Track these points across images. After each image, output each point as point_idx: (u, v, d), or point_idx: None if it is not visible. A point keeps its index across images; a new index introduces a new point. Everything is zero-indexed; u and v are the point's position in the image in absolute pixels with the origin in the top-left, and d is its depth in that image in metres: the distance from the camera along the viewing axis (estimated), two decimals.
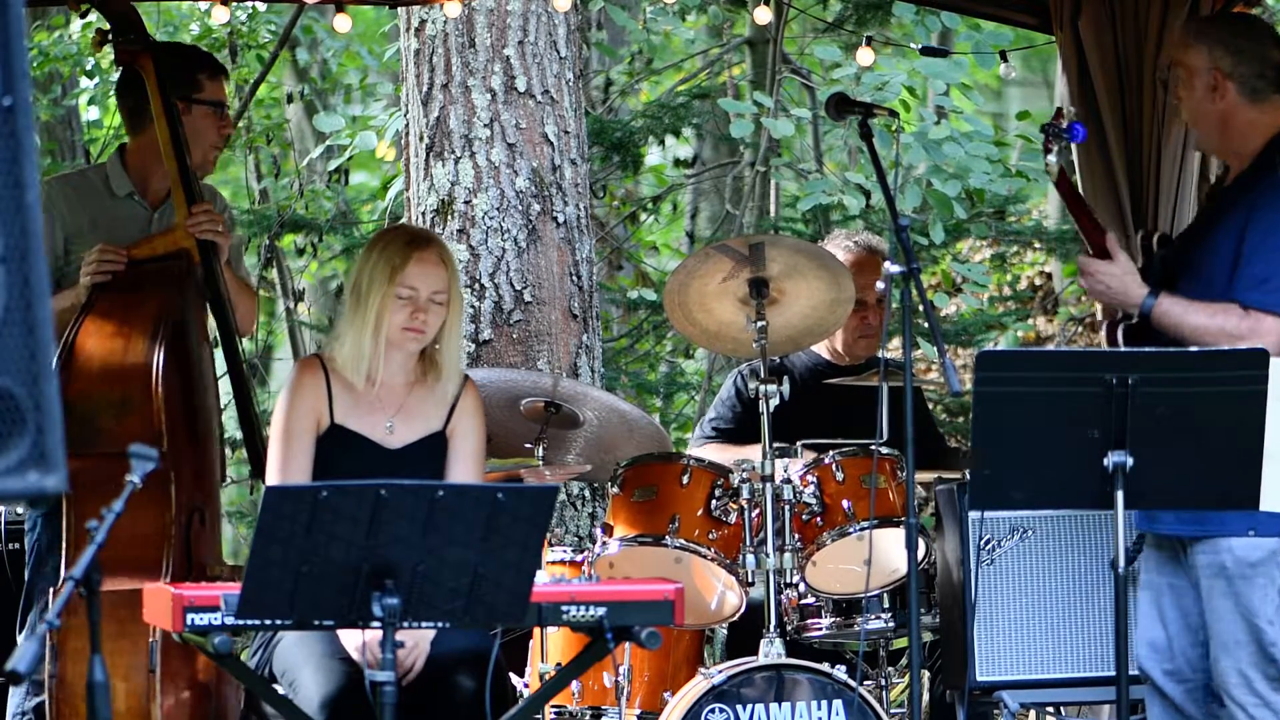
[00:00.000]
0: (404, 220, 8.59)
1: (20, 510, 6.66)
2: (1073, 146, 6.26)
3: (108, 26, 6.56)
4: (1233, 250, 5.57)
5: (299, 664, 5.58)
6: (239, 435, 6.75)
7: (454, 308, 5.88)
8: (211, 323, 6.67)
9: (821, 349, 7.25)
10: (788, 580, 6.24)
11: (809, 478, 6.32)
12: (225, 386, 6.71)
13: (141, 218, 6.66)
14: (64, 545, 6.07)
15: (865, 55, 7.94)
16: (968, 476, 5.99)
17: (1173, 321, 5.53)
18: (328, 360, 5.90)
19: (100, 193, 6.67)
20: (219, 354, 6.67)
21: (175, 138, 6.44)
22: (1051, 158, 5.77)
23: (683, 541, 6.26)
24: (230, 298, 6.50)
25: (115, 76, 9.27)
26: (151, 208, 6.70)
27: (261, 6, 11.58)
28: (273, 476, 5.80)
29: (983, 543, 6.02)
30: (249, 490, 12.19)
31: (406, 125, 8.40)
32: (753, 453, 6.64)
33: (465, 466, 5.93)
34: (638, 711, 6.39)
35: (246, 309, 6.73)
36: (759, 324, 6.29)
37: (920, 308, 5.34)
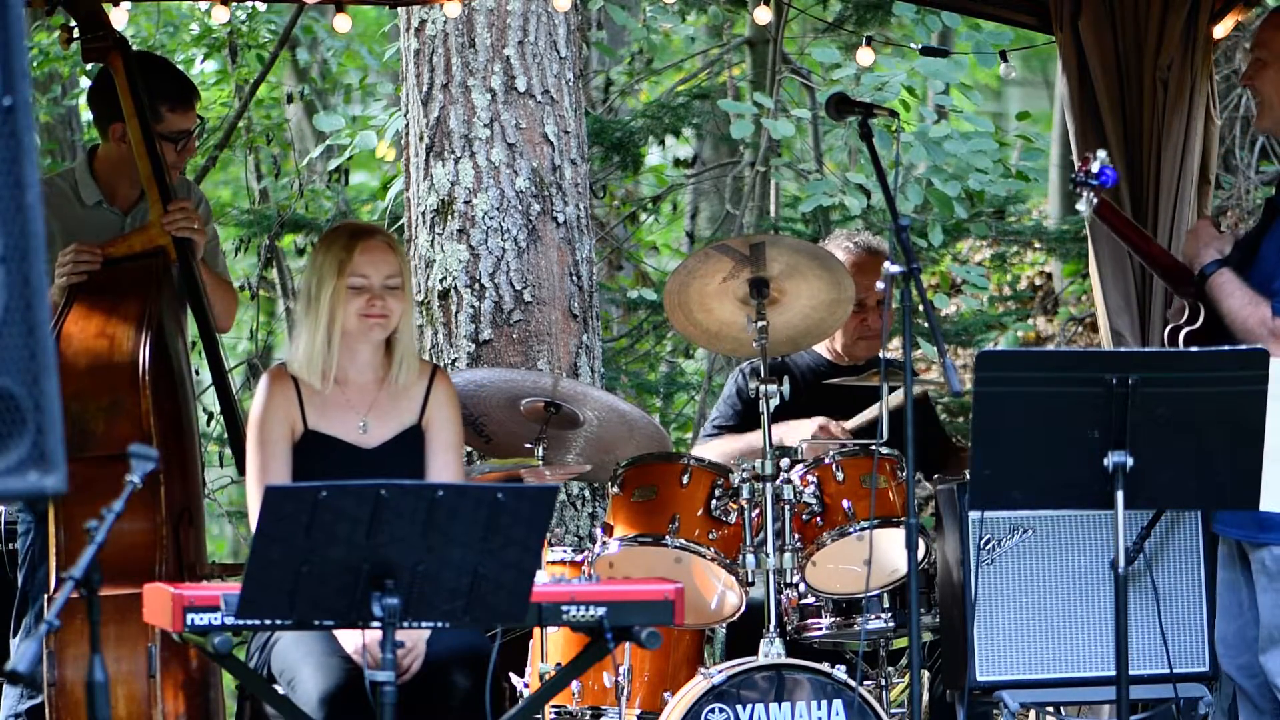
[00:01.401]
0: (403, 220, 8.59)
1: (17, 510, 6.65)
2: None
3: (74, 24, 6.53)
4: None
5: (297, 662, 5.58)
6: (227, 434, 6.73)
7: (407, 295, 5.88)
8: (192, 321, 6.66)
9: (823, 349, 7.25)
10: (788, 580, 6.24)
11: (809, 478, 6.32)
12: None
13: (113, 224, 6.62)
14: (52, 549, 6.04)
15: (865, 55, 7.94)
16: (968, 476, 5.99)
17: (1217, 295, 5.70)
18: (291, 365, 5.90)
19: (69, 201, 6.62)
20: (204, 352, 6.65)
21: (147, 135, 6.40)
22: (1082, 205, 5.85)
23: (683, 541, 6.26)
24: (208, 295, 6.48)
25: None
26: (123, 213, 6.67)
27: (261, 6, 11.58)
28: (252, 486, 5.80)
29: (983, 543, 6.02)
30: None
31: (406, 125, 8.40)
32: (752, 437, 6.64)
33: (444, 457, 5.93)
34: (638, 711, 6.39)
35: (225, 304, 6.69)
36: (759, 324, 6.28)
37: (920, 308, 5.34)
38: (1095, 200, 5.87)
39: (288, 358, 5.90)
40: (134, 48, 6.66)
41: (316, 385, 5.84)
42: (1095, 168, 5.86)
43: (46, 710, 5.97)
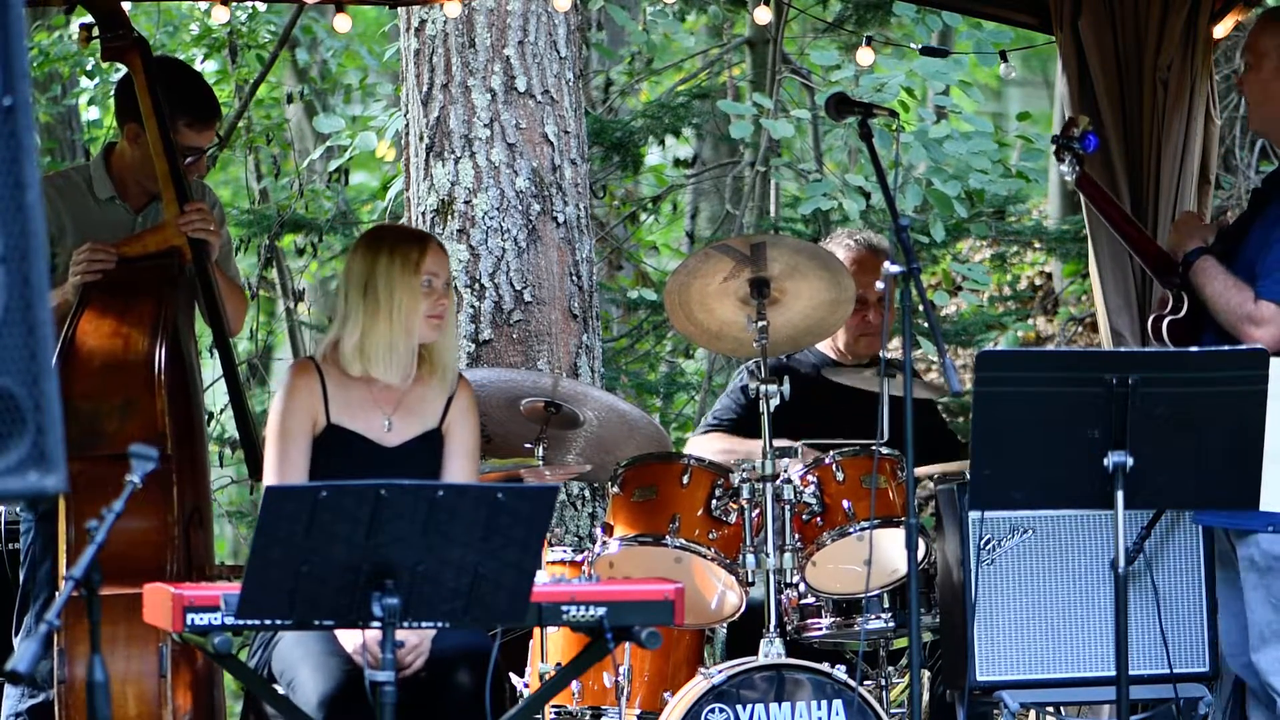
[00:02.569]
0: (403, 220, 8.59)
1: (19, 510, 6.67)
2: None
3: (93, 21, 6.54)
4: (1268, 237, 5.69)
5: (297, 662, 5.58)
6: (239, 435, 6.73)
7: (452, 298, 5.95)
8: (202, 322, 6.67)
9: (826, 348, 7.25)
10: (788, 580, 6.24)
11: (809, 478, 6.32)
12: (222, 386, 6.69)
13: (125, 222, 6.63)
14: (62, 548, 6.06)
15: (865, 55, 7.94)
16: (968, 476, 6.00)
17: (1200, 281, 5.74)
18: (322, 361, 5.89)
19: (83, 194, 6.63)
20: (211, 353, 6.65)
21: (165, 135, 6.41)
22: (1064, 168, 5.90)
23: (683, 541, 6.26)
24: (219, 288, 6.48)
25: (115, 76, 9.26)
26: (135, 211, 6.67)
27: (261, 6, 11.58)
28: (270, 479, 5.80)
29: (983, 543, 6.02)
30: (249, 490, 12.19)
31: (406, 125, 8.40)
32: (751, 446, 6.65)
33: (461, 463, 5.95)
34: (638, 711, 6.39)
35: (236, 309, 6.70)
36: (759, 324, 6.29)
37: (920, 307, 5.34)
38: (1078, 168, 5.93)
39: (340, 355, 5.88)
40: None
41: (397, 382, 5.86)
42: (1077, 132, 5.90)
43: (56, 708, 5.98)
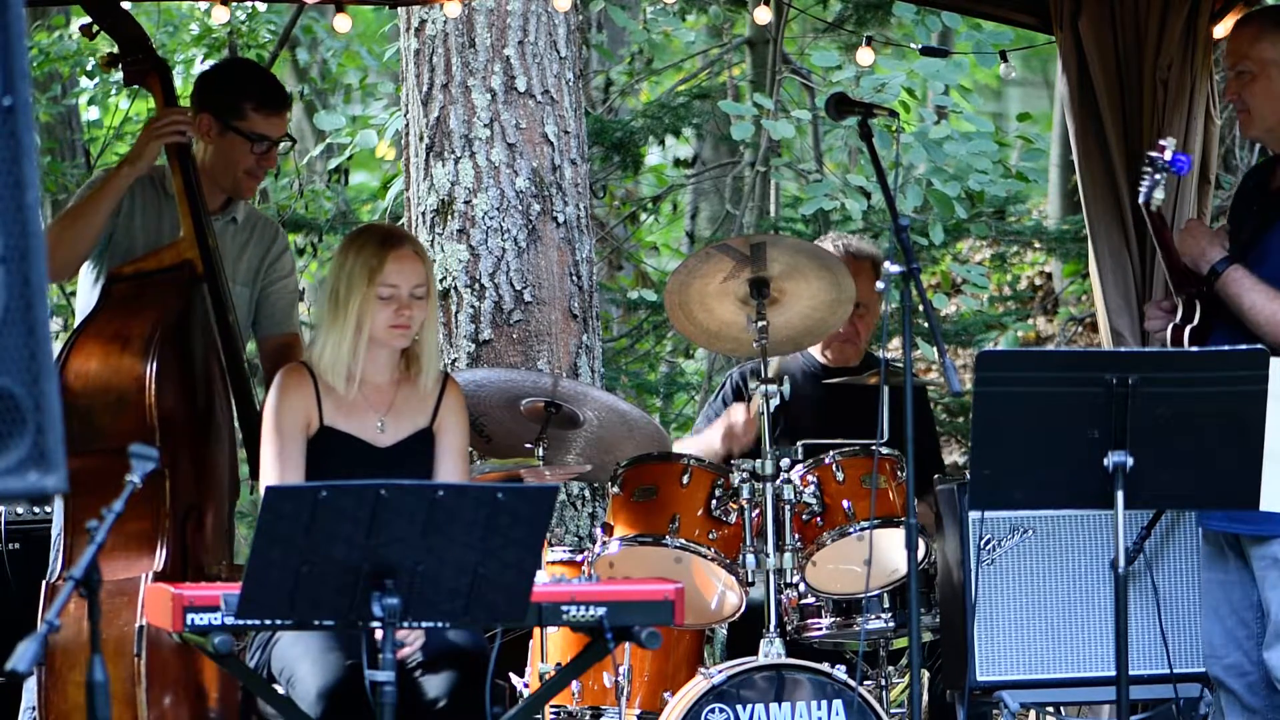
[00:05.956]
0: (403, 220, 8.59)
1: (20, 510, 6.67)
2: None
3: (116, 49, 6.57)
4: None
5: (296, 658, 5.59)
6: (241, 435, 6.73)
7: (432, 301, 5.91)
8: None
9: (815, 350, 7.25)
10: (788, 580, 6.24)
11: (809, 478, 6.32)
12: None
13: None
14: (63, 540, 6.09)
15: (865, 55, 7.94)
16: (968, 476, 6.00)
17: (1234, 291, 5.69)
18: (312, 365, 5.91)
19: (155, 188, 6.66)
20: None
21: (185, 168, 6.43)
22: (1151, 190, 5.78)
23: (683, 541, 6.26)
24: (232, 299, 6.48)
25: (115, 77, 9.26)
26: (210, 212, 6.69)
27: (261, 6, 11.58)
28: (269, 476, 5.82)
29: (983, 543, 6.02)
30: (249, 490, 12.18)
31: (406, 125, 8.40)
32: (709, 435, 6.69)
33: (453, 462, 5.97)
34: (638, 711, 6.40)
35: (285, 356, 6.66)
36: (759, 324, 6.29)
37: (920, 308, 5.34)
38: (1163, 194, 5.82)
39: (310, 357, 5.91)
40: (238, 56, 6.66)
41: (341, 389, 5.87)
42: (1168, 155, 5.81)
43: (36, 693, 5.99)
